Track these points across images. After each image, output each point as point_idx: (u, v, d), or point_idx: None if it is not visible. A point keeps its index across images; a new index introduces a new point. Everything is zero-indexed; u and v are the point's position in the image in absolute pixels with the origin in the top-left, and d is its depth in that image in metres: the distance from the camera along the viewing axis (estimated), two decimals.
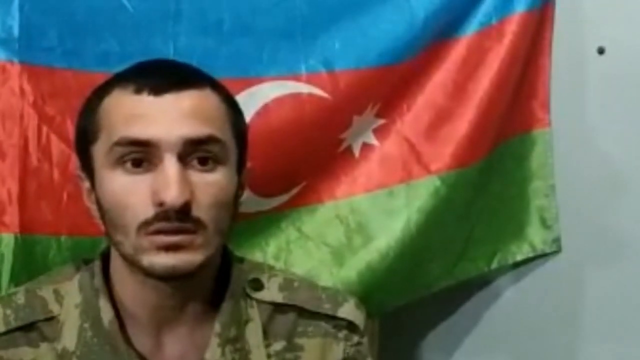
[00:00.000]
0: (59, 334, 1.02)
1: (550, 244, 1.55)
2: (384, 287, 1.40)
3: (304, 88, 1.31)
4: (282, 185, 1.36)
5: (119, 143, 0.94)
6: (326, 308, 1.09)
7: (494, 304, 1.63)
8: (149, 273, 0.96)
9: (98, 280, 1.02)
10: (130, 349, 1.00)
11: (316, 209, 1.40)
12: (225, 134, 0.98)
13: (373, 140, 1.41)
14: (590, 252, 1.55)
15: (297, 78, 1.31)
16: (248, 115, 1.15)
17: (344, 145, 1.39)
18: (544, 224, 1.54)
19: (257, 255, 1.34)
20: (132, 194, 0.94)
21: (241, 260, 1.10)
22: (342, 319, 1.09)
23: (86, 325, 1.01)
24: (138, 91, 0.96)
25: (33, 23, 1.18)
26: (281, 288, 1.08)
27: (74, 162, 1.11)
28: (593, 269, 1.55)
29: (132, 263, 0.97)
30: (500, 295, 1.62)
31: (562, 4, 1.46)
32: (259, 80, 1.29)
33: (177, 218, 0.93)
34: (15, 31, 1.17)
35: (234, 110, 1.02)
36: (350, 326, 1.09)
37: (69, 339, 1.01)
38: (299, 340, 1.07)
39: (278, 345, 1.06)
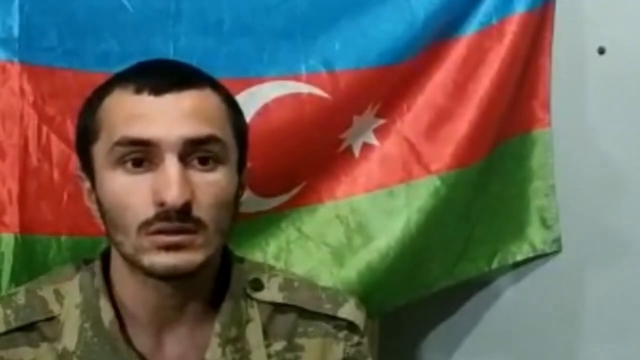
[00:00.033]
0: (59, 334, 1.02)
1: (550, 244, 1.55)
2: (384, 287, 1.40)
3: (304, 88, 1.31)
4: (282, 185, 1.36)
5: (119, 143, 0.94)
6: (326, 308, 1.09)
7: (494, 304, 1.63)
8: (149, 273, 0.96)
9: (98, 280, 1.02)
10: (131, 349, 1.00)
11: (316, 209, 1.40)
12: (225, 133, 0.98)
13: (373, 140, 1.41)
14: (590, 252, 1.55)
15: (297, 78, 1.31)
16: (248, 115, 1.15)
17: (344, 145, 1.39)
18: (544, 224, 1.54)
19: (257, 255, 1.34)
20: (133, 193, 0.94)
21: (241, 260, 1.10)
22: (343, 319, 1.09)
23: (86, 325, 1.01)
24: (138, 91, 0.96)
25: (33, 23, 1.18)
26: (281, 288, 1.08)
27: (74, 162, 1.11)
28: (593, 269, 1.55)
29: (132, 263, 0.97)
30: (500, 295, 1.62)
31: (562, 4, 1.46)
32: (259, 80, 1.29)
33: (178, 218, 0.93)
34: (15, 31, 1.17)
35: (234, 110, 1.02)
36: (351, 326, 1.09)
37: (69, 339, 1.01)
38: (299, 340, 1.07)
39: (278, 345, 1.06)
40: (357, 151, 1.40)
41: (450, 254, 1.50)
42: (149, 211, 0.93)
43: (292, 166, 1.34)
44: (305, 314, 1.08)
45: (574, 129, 1.52)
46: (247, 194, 1.09)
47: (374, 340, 1.36)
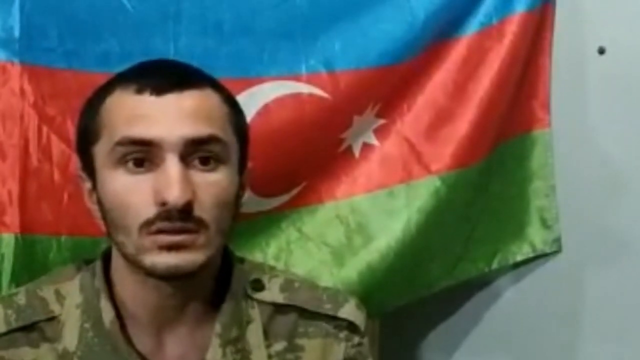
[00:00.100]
0: (59, 334, 1.02)
1: (550, 244, 1.55)
2: (384, 287, 1.40)
3: (304, 88, 1.31)
4: (283, 185, 1.36)
5: (120, 143, 0.94)
6: (327, 308, 1.08)
7: (494, 304, 1.63)
8: (150, 273, 0.96)
9: (99, 281, 1.02)
10: (131, 349, 1.00)
11: (316, 209, 1.40)
12: (226, 133, 0.98)
13: (373, 141, 1.41)
14: (590, 252, 1.55)
15: (297, 78, 1.31)
16: (249, 116, 1.15)
17: (344, 145, 1.39)
18: (544, 224, 1.54)
19: (257, 256, 1.34)
20: (134, 193, 0.94)
21: (242, 260, 1.10)
22: (343, 320, 1.09)
23: (87, 325, 1.01)
24: (140, 91, 0.96)
25: (33, 23, 1.18)
26: (282, 289, 1.08)
27: (75, 162, 1.11)
28: (593, 269, 1.55)
29: (133, 263, 0.97)
30: (500, 296, 1.62)
31: (562, 4, 1.46)
32: (259, 80, 1.29)
33: (179, 218, 0.93)
34: (16, 32, 1.17)
35: (235, 110, 1.02)
36: (351, 327, 1.09)
37: (69, 339, 1.01)
38: (300, 341, 1.07)
39: (279, 346, 1.06)
40: (357, 151, 1.41)
41: (450, 254, 1.50)
42: (150, 211, 0.93)
43: (293, 166, 1.34)
44: (306, 314, 1.08)
45: (574, 129, 1.52)
46: (247, 194, 1.09)
47: (374, 341, 1.36)
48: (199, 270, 0.96)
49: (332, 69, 1.32)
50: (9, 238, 1.17)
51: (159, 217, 0.93)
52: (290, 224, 1.38)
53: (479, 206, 1.50)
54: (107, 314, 1.00)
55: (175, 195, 0.92)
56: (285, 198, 1.36)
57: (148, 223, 0.93)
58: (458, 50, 1.40)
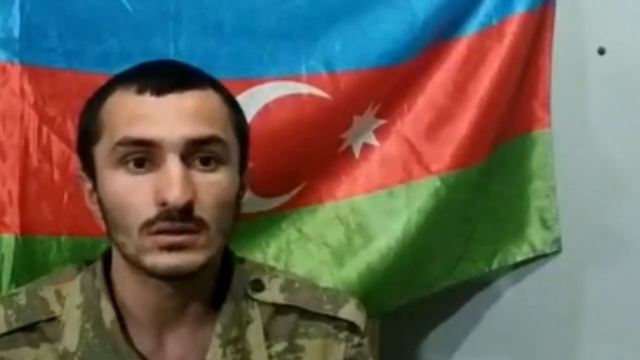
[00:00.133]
0: (60, 334, 1.02)
1: (550, 244, 1.55)
2: (385, 287, 1.40)
3: (304, 88, 1.31)
4: (283, 185, 1.36)
5: (121, 143, 0.94)
6: (327, 309, 1.08)
7: (494, 304, 1.63)
8: (151, 273, 0.96)
9: (99, 281, 1.02)
10: (132, 350, 1.00)
11: (316, 209, 1.40)
12: (227, 134, 0.98)
13: (373, 141, 1.41)
14: (590, 252, 1.54)
15: (297, 78, 1.31)
16: (249, 116, 1.15)
17: (345, 145, 1.39)
18: (544, 224, 1.54)
19: (257, 256, 1.34)
20: (135, 193, 0.94)
21: (242, 261, 1.10)
22: (343, 320, 1.09)
23: (87, 325, 1.01)
24: (140, 91, 0.96)
25: (34, 24, 1.18)
26: (282, 289, 1.08)
27: (75, 162, 1.11)
28: (593, 269, 1.55)
29: (134, 263, 0.97)
30: (500, 296, 1.62)
31: (562, 4, 1.46)
32: (259, 80, 1.29)
33: (180, 218, 0.93)
34: (16, 32, 1.17)
35: (236, 110, 1.02)
36: (351, 327, 1.09)
37: (70, 340, 1.01)
38: (300, 341, 1.07)
39: (279, 346, 1.06)
40: (357, 151, 1.41)
41: (450, 254, 1.50)
42: (151, 211, 0.93)
43: (293, 166, 1.34)
44: (306, 314, 1.08)
45: (574, 129, 1.52)
46: (247, 194, 1.09)
47: (374, 341, 1.36)
48: (199, 271, 0.96)
49: (332, 69, 1.32)
50: (9, 238, 1.17)
51: (159, 217, 0.93)
52: (291, 224, 1.38)
53: (479, 206, 1.50)
54: (108, 314, 1.00)
55: (175, 195, 0.92)
56: (285, 198, 1.36)
57: (148, 223, 0.93)
58: (458, 51, 1.40)
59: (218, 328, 1.02)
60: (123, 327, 1.01)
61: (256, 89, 1.28)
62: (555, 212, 1.53)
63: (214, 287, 1.04)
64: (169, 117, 0.95)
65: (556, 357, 1.60)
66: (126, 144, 0.94)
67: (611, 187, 1.51)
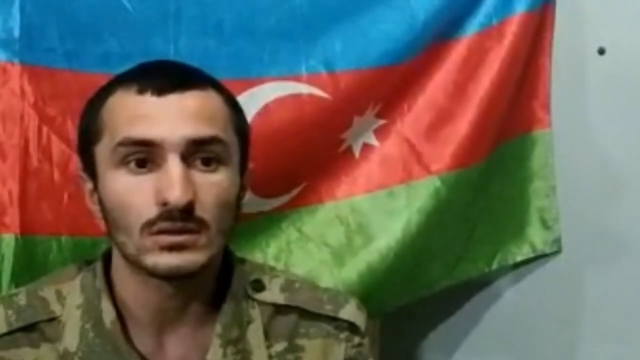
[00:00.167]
0: (60, 334, 1.01)
1: (550, 244, 1.55)
2: (385, 287, 1.40)
3: (304, 88, 1.31)
4: (283, 185, 1.36)
5: (122, 143, 0.94)
6: (327, 309, 1.08)
7: (494, 304, 1.63)
8: (152, 273, 0.96)
9: (100, 281, 1.02)
10: (132, 350, 1.00)
11: (317, 209, 1.40)
12: (228, 134, 0.98)
13: (373, 141, 1.41)
14: (590, 252, 1.54)
15: (297, 79, 1.31)
16: (249, 116, 1.15)
17: (345, 145, 1.39)
18: (545, 224, 1.54)
19: (257, 256, 1.34)
20: (136, 194, 0.94)
21: (242, 261, 1.10)
22: (344, 320, 1.09)
23: (88, 326, 1.01)
24: (141, 92, 0.96)
25: (34, 24, 1.18)
26: (282, 289, 1.08)
27: (75, 162, 1.11)
28: (593, 269, 1.55)
29: (135, 263, 0.97)
30: (500, 296, 1.62)
31: (562, 4, 1.46)
32: (259, 80, 1.29)
33: (181, 218, 0.93)
34: (16, 32, 1.17)
35: (236, 111, 1.02)
36: (352, 327, 1.09)
37: (70, 340, 1.01)
38: (300, 341, 1.07)
39: (279, 346, 1.06)
40: (357, 151, 1.41)
41: (450, 254, 1.50)
42: (151, 211, 0.93)
43: (293, 167, 1.34)
44: (306, 314, 1.08)
45: (574, 129, 1.52)
46: (247, 195, 1.09)
47: (374, 341, 1.35)
48: (200, 271, 0.96)
49: (332, 69, 1.32)
50: (9, 238, 1.17)
51: (160, 217, 0.93)
52: (291, 224, 1.39)
53: (479, 206, 1.50)
54: (108, 314, 1.00)
55: (176, 195, 0.92)
56: (285, 198, 1.37)
57: (149, 223, 0.93)
58: (458, 51, 1.41)
59: (218, 328, 1.02)
60: (123, 327, 1.01)
61: (256, 89, 1.28)
62: (555, 212, 1.53)
63: (214, 287, 1.04)
64: (170, 117, 0.95)
65: (556, 357, 1.60)
66: (127, 144, 0.94)
67: (611, 187, 1.51)
